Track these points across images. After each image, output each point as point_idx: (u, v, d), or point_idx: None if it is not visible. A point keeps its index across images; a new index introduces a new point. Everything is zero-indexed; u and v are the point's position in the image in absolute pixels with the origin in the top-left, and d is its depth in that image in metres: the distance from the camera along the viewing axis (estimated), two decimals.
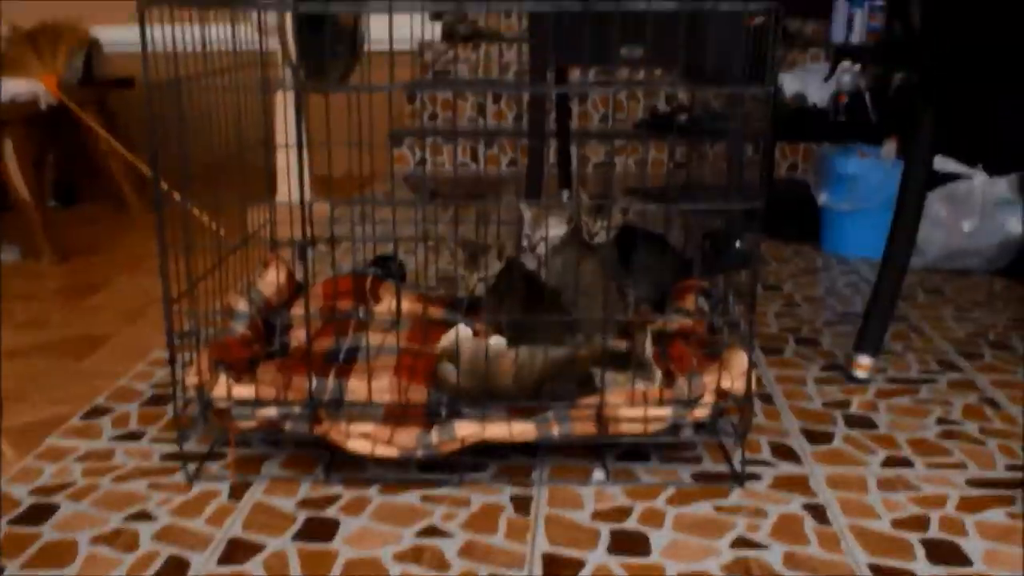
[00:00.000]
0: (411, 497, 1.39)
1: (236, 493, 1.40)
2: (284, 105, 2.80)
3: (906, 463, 1.50)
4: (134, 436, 1.59)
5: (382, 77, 1.50)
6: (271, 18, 2.70)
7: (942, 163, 2.50)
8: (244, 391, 1.44)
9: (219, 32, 1.51)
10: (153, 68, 1.31)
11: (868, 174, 2.64)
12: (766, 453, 1.54)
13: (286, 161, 2.83)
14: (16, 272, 2.62)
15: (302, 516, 1.34)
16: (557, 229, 1.84)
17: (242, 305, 1.68)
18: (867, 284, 2.40)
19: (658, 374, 1.49)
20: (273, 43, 2.73)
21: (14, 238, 2.80)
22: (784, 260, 2.70)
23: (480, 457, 1.48)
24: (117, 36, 3.50)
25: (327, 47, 2.87)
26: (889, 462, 1.51)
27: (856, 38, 3.81)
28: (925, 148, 1.83)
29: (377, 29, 2.92)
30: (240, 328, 1.64)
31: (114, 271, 2.61)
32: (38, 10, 3.30)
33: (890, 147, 2.72)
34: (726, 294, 1.80)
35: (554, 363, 1.52)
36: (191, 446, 1.52)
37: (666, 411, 1.43)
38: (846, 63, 3.54)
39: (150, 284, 2.40)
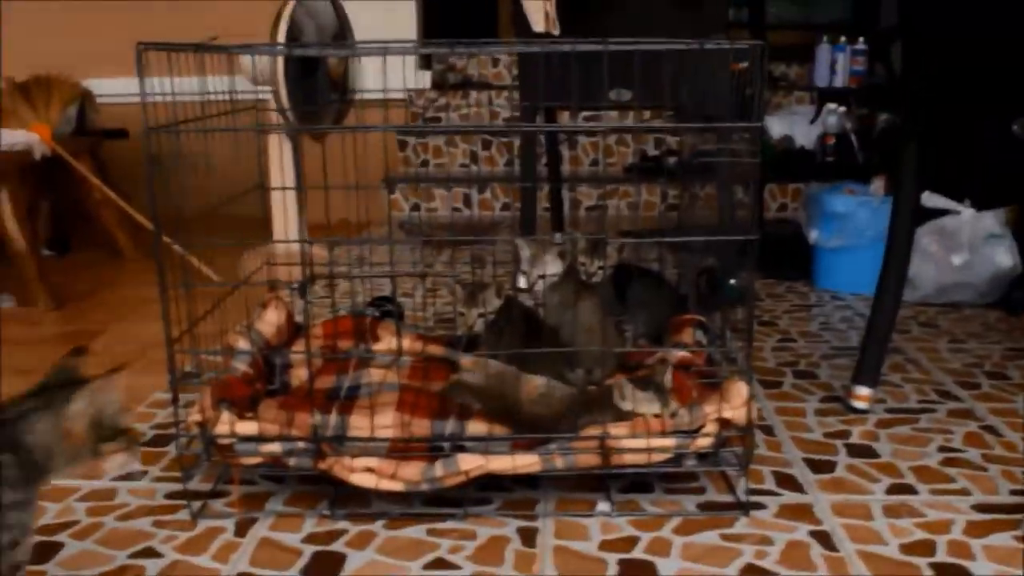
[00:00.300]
0: (417, 531, 1.39)
1: (241, 529, 1.39)
2: (279, 150, 2.83)
3: (910, 490, 1.51)
4: (136, 476, 1.58)
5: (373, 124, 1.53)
6: (263, 65, 2.73)
7: (931, 199, 2.53)
8: (247, 427, 1.43)
9: (213, 81, 1.53)
10: (153, 114, 1.33)
11: (857, 211, 2.67)
12: (770, 483, 1.54)
13: (280, 205, 2.85)
14: (11, 319, 2.61)
15: (308, 551, 1.33)
16: (554, 266, 1.85)
17: (243, 344, 1.68)
18: (861, 319, 2.42)
19: (673, 404, 1.49)
20: (267, 90, 2.76)
21: (9, 287, 2.80)
22: (778, 297, 2.72)
23: (484, 491, 1.48)
24: (110, 87, 3.54)
25: (319, 93, 2.90)
26: (893, 489, 1.51)
27: (839, 81, 3.87)
28: (912, 184, 1.86)
29: (367, 77, 2.96)
30: (242, 367, 1.64)
31: (110, 317, 2.60)
32: (33, 62, 3.32)
33: (878, 184, 2.76)
34: (723, 330, 1.81)
35: (570, 399, 1.54)
36: (194, 484, 1.51)
37: (670, 441, 1.44)
38: (831, 105, 3.60)
39: (146, 330, 2.39)
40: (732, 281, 2.37)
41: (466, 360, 1.61)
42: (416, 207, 3.92)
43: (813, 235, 2.78)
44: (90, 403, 1.07)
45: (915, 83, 1.91)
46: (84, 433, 1.06)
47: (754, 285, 1.45)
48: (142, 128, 1.33)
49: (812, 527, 1.39)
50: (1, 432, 1.03)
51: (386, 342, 1.93)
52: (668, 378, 1.53)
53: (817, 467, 1.60)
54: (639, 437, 1.43)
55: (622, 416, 1.49)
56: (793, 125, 3.64)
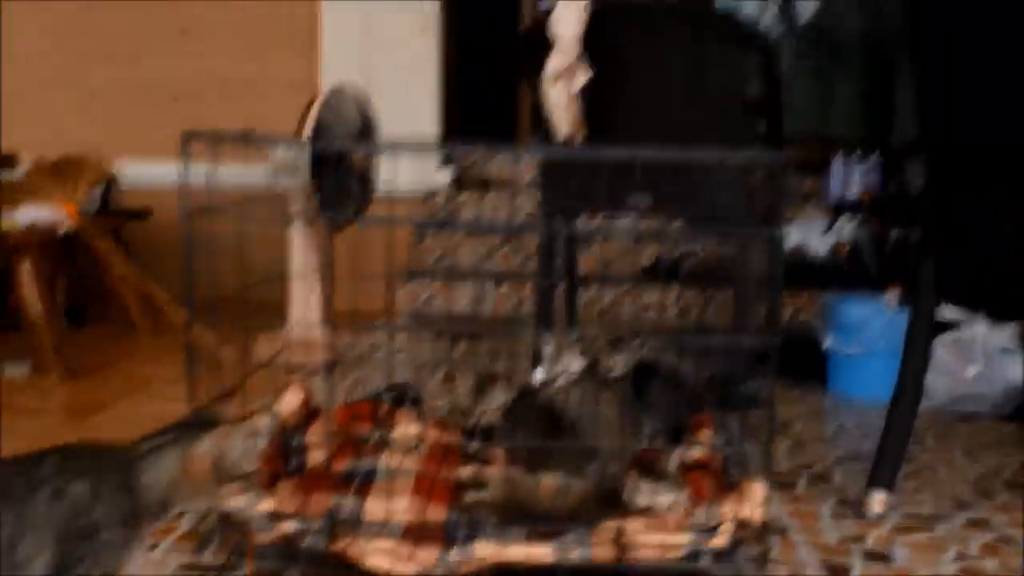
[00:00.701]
0: None
1: None
2: (300, 240, 2.88)
3: None
4: (147, 547, 1.56)
5: None
6: (291, 159, 2.79)
7: (945, 311, 2.55)
8: (264, 504, 1.43)
9: (247, 171, 1.57)
10: (188, 198, 1.37)
11: (872, 320, 2.69)
12: None
13: (301, 291, 2.88)
14: (23, 388, 2.63)
15: None
16: (576, 362, 1.86)
17: (262, 423, 1.69)
18: (876, 424, 2.40)
19: (685, 490, 1.49)
20: (290, 182, 2.81)
21: (25, 355, 2.82)
22: (791, 401, 2.71)
23: None
24: (135, 171, 3.62)
25: (342, 186, 2.95)
26: None
27: (853, 194, 3.93)
28: (930, 298, 1.88)
29: (388, 173, 3.03)
30: (261, 445, 1.64)
31: (121, 391, 2.62)
32: (62, 142, 3.40)
33: (892, 296, 2.78)
34: (740, 432, 1.81)
35: (585, 496, 1.54)
36: (207, 557, 1.50)
37: (685, 538, 1.43)
38: (845, 216, 3.65)
39: (157, 405, 2.39)
40: (743, 387, 2.37)
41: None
42: (430, 299, 3.94)
43: (828, 342, 2.79)
44: (216, 444, 1.11)
45: (935, 198, 1.94)
46: (205, 472, 1.11)
47: (773, 391, 1.46)
48: (174, 211, 1.36)
49: None
50: (120, 474, 1.06)
51: (403, 427, 1.93)
52: (674, 465, 1.53)
53: (833, 571, 1.58)
54: (656, 531, 1.42)
55: (637, 511, 1.49)
56: (806, 235, 3.69)
